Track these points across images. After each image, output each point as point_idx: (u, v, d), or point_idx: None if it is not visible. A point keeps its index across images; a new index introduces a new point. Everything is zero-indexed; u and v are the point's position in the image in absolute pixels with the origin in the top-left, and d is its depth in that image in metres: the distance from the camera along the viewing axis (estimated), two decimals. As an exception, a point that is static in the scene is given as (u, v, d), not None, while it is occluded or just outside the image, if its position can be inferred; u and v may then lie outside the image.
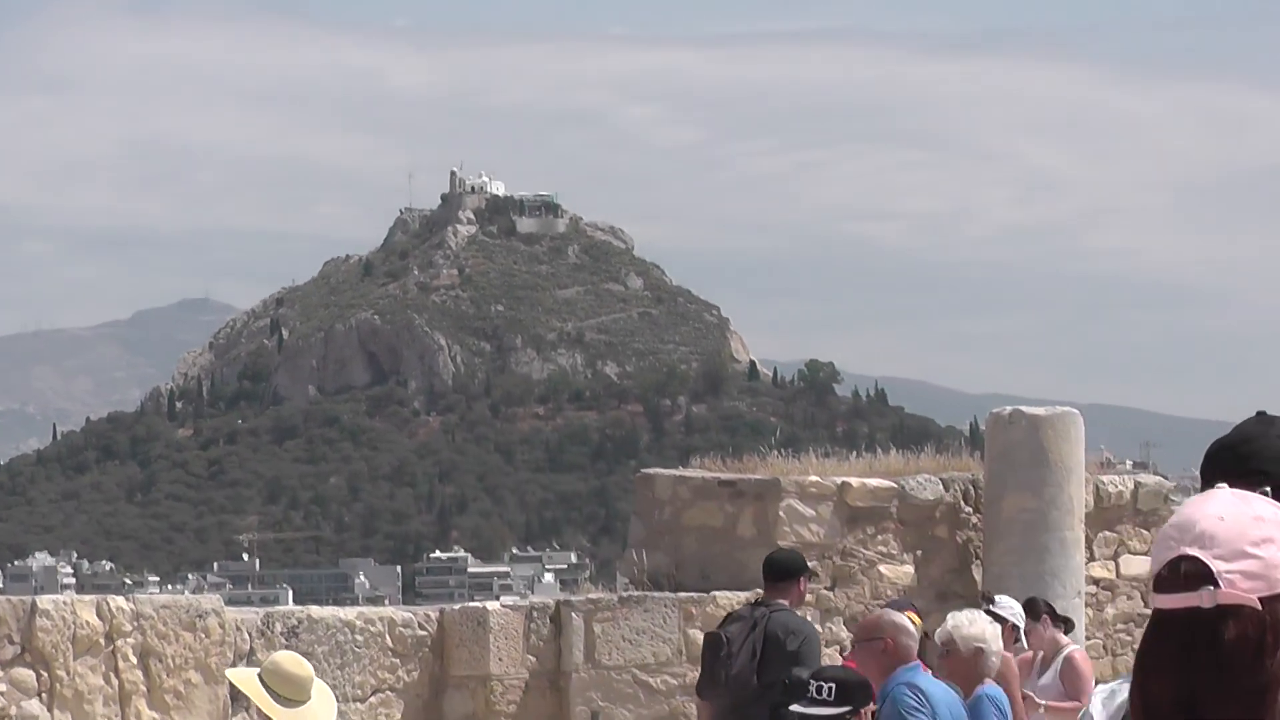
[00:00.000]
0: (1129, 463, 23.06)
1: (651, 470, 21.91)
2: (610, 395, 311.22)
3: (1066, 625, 18.71)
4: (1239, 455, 7.36)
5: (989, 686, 15.12)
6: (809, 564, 18.62)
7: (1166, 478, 22.93)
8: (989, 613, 19.03)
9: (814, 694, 13.12)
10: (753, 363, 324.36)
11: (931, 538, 20.32)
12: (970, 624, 15.37)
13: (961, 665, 14.98)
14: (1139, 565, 20.96)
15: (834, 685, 13.13)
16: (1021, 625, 18.57)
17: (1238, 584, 5.09)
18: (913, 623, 19.32)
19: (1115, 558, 21.01)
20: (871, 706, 13.95)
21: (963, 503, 20.35)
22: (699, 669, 17.77)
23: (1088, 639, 20.03)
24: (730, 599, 19.39)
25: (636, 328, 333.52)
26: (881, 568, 20.09)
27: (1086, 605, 20.00)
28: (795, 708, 13.14)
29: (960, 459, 22.00)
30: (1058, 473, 19.92)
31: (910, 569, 20.20)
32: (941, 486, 20.39)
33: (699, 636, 19.20)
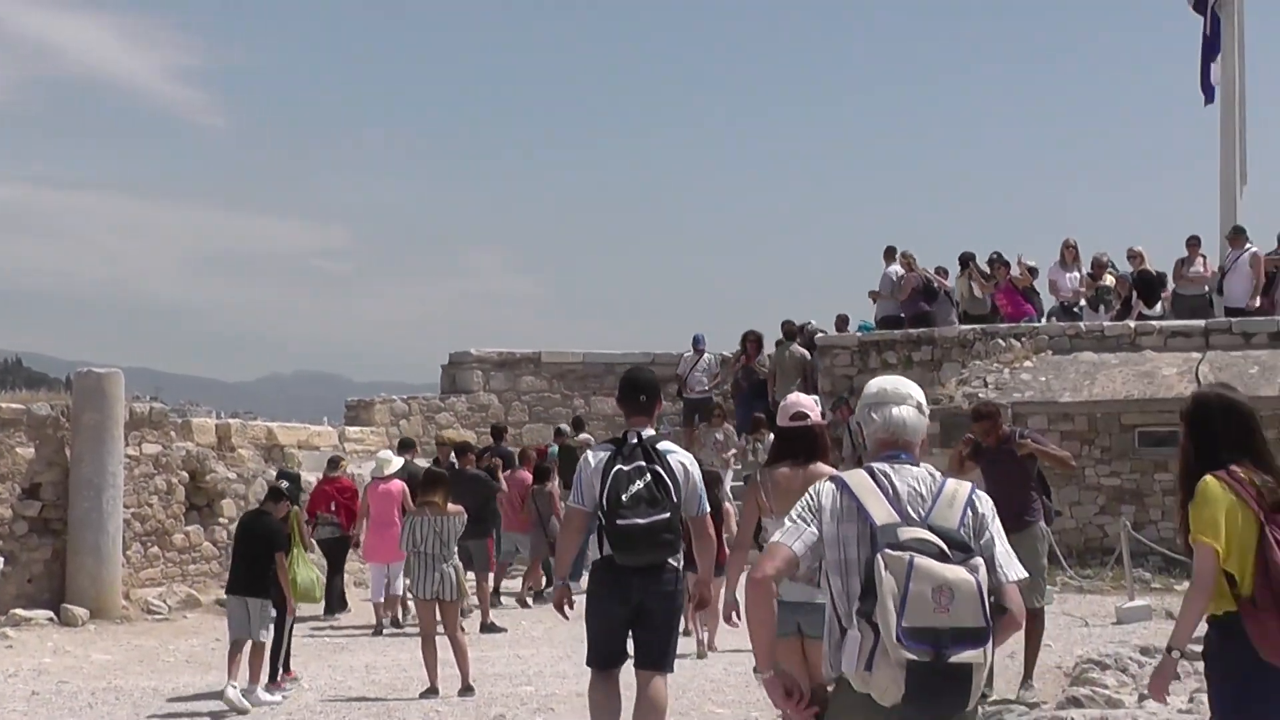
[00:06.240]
0: (149, 397, 23.00)
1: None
2: None
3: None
4: (634, 383, 8.16)
5: None
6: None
7: (167, 404, 22.52)
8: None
9: None
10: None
11: (43, 434, 19.62)
12: None
13: None
14: (151, 449, 20.85)
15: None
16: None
17: (813, 418, 7.93)
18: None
19: (139, 445, 20.68)
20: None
21: (61, 416, 19.78)
22: None
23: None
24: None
25: None
26: (19, 450, 19.27)
27: (125, 469, 19.75)
28: None
29: (60, 394, 21.71)
30: (110, 400, 19.87)
31: (33, 451, 19.46)
32: (50, 407, 19.87)
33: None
